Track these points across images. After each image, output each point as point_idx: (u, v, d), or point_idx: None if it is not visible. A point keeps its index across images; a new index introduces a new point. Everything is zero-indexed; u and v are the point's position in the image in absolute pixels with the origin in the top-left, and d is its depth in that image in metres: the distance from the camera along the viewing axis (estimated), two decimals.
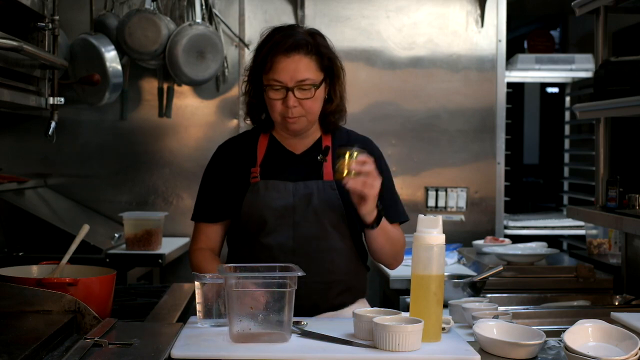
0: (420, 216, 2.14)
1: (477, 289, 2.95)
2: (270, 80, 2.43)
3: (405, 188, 4.63)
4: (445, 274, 2.53)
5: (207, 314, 2.22)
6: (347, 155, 2.30)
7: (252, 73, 2.50)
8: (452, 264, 3.95)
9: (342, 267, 2.49)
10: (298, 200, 2.45)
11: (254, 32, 4.63)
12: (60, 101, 2.77)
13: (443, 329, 2.14)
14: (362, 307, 2.38)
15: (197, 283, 2.24)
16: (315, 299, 2.43)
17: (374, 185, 2.32)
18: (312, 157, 2.53)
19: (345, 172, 2.29)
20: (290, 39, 2.43)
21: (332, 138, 2.56)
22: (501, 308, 2.51)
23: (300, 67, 2.41)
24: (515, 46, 5.63)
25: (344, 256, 2.50)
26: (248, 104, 2.56)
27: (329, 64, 2.48)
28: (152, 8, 4.36)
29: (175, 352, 1.94)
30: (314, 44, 2.45)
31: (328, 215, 2.46)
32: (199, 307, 2.24)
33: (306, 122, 2.47)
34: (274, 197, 2.46)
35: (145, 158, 4.65)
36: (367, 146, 2.58)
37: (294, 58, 2.41)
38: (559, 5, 5.58)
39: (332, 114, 2.53)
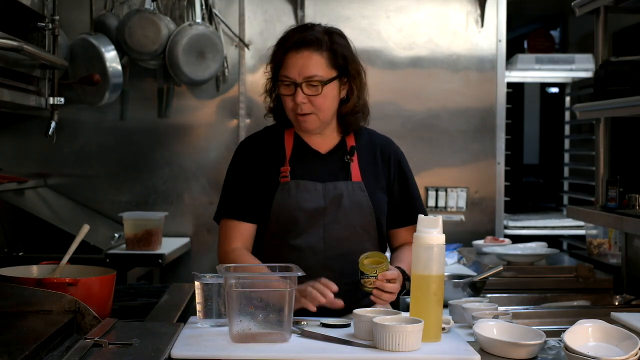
0: (421, 216, 2.15)
1: (477, 289, 2.95)
2: (281, 75, 2.46)
3: None
4: (445, 274, 2.53)
5: (207, 314, 2.22)
6: (370, 274, 2.33)
7: (272, 70, 2.52)
8: (452, 264, 3.95)
9: None
10: (329, 201, 2.46)
11: (254, 32, 4.63)
12: (60, 101, 2.77)
13: (443, 329, 2.14)
14: (386, 308, 2.37)
15: (197, 283, 2.25)
16: (345, 300, 2.39)
17: (394, 295, 2.37)
18: (337, 156, 2.54)
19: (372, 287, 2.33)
20: (300, 35, 2.45)
21: (354, 138, 2.57)
22: (501, 308, 2.50)
23: (308, 63, 2.42)
24: (515, 46, 5.63)
25: None
26: (271, 101, 2.57)
27: (344, 62, 2.48)
28: (152, 8, 4.36)
29: (175, 352, 1.94)
30: (328, 41, 2.46)
31: (358, 217, 2.47)
32: (199, 307, 2.24)
33: (317, 120, 2.47)
34: (305, 198, 2.46)
35: (145, 158, 4.65)
36: (389, 146, 2.60)
37: (303, 54, 2.43)
38: (559, 5, 5.58)
39: (349, 114, 2.53)
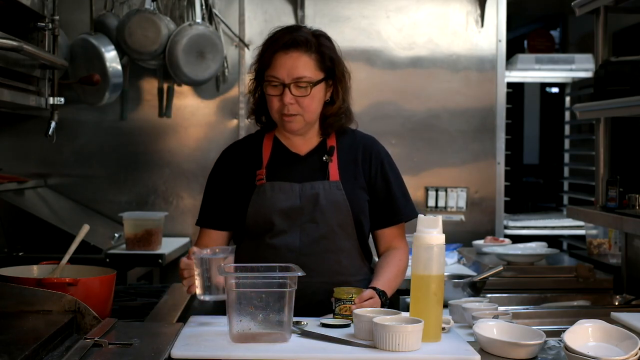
0: (420, 216, 2.15)
1: (477, 289, 2.95)
2: (268, 76, 2.45)
3: None
4: (445, 274, 2.53)
5: (206, 290, 2.18)
6: (345, 298, 2.31)
7: (257, 70, 2.52)
8: (452, 264, 3.95)
9: (349, 267, 2.50)
10: (305, 201, 2.46)
11: (254, 32, 4.63)
12: (60, 101, 2.77)
13: (443, 329, 2.14)
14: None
15: (194, 258, 2.20)
16: (322, 299, 2.42)
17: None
18: (316, 157, 2.54)
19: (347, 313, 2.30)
20: (290, 36, 2.45)
21: (336, 138, 2.57)
22: (501, 308, 2.51)
23: (297, 64, 2.42)
24: (515, 46, 5.62)
25: (350, 256, 2.51)
26: (253, 102, 2.57)
27: (331, 65, 2.48)
28: (152, 8, 4.36)
29: (175, 352, 1.94)
30: (316, 44, 2.46)
31: (335, 216, 2.46)
32: (196, 282, 2.20)
33: (303, 121, 2.47)
34: (281, 198, 2.46)
35: (145, 158, 4.65)
36: (372, 145, 2.59)
37: (292, 55, 2.43)
38: (559, 5, 5.58)
39: (332, 116, 2.53)
